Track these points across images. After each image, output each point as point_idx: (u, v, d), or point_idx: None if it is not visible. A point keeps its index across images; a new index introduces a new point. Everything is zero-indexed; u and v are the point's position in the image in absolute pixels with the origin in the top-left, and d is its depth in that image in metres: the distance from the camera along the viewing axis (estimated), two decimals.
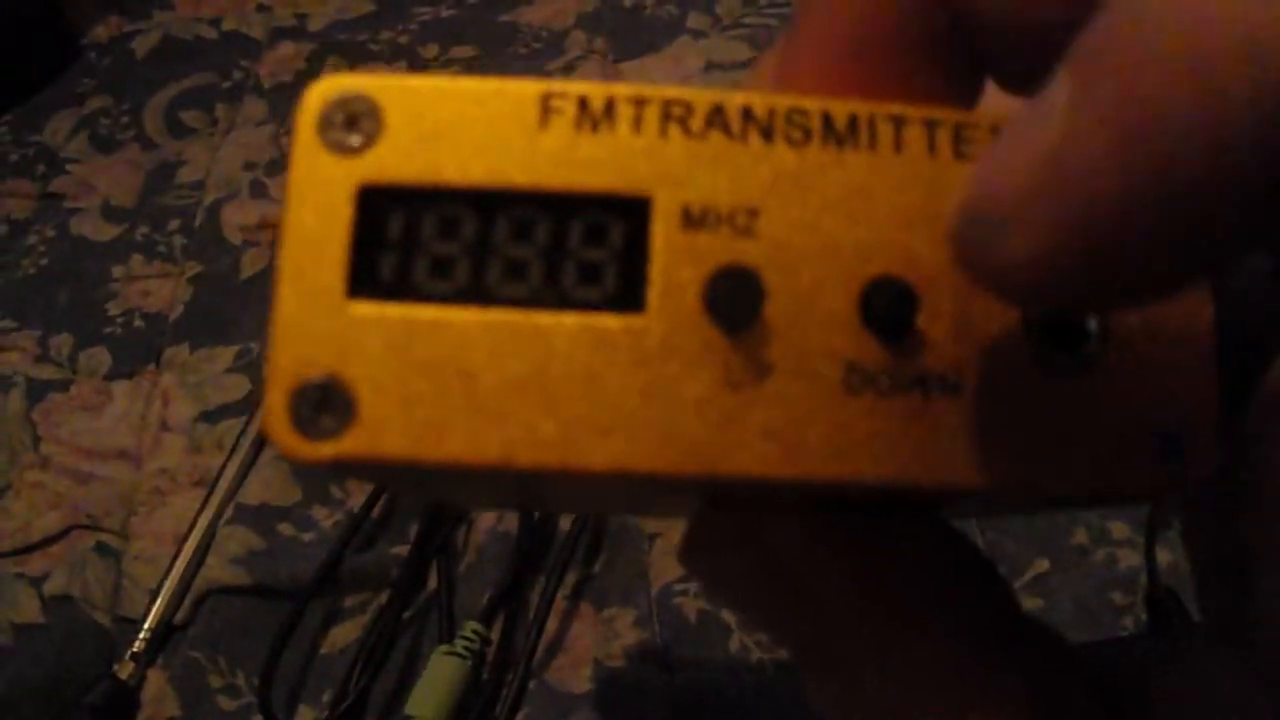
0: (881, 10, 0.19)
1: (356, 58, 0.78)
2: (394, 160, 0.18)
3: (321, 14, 0.82)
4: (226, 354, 0.61)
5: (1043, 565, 0.50)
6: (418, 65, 0.77)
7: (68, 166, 0.73)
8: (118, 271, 0.66)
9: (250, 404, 0.59)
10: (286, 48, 0.79)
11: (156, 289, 0.65)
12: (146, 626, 0.51)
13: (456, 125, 0.18)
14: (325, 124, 0.18)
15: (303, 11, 0.83)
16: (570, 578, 0.51)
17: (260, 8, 0.84)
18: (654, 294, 0.18)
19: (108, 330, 0.64)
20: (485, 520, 0.53)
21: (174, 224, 0.69)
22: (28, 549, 0.55)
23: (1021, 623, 0.20)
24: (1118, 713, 0.19)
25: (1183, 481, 0.18)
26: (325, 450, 0.17)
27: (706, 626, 0.49)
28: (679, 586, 0.50)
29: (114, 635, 0.52)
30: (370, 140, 0.18)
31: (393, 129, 0.18)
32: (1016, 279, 0.15)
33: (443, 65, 0.77)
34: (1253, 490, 0.18)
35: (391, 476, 0.20)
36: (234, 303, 0.64)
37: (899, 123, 0.18)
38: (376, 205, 0.18)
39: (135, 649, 0.50)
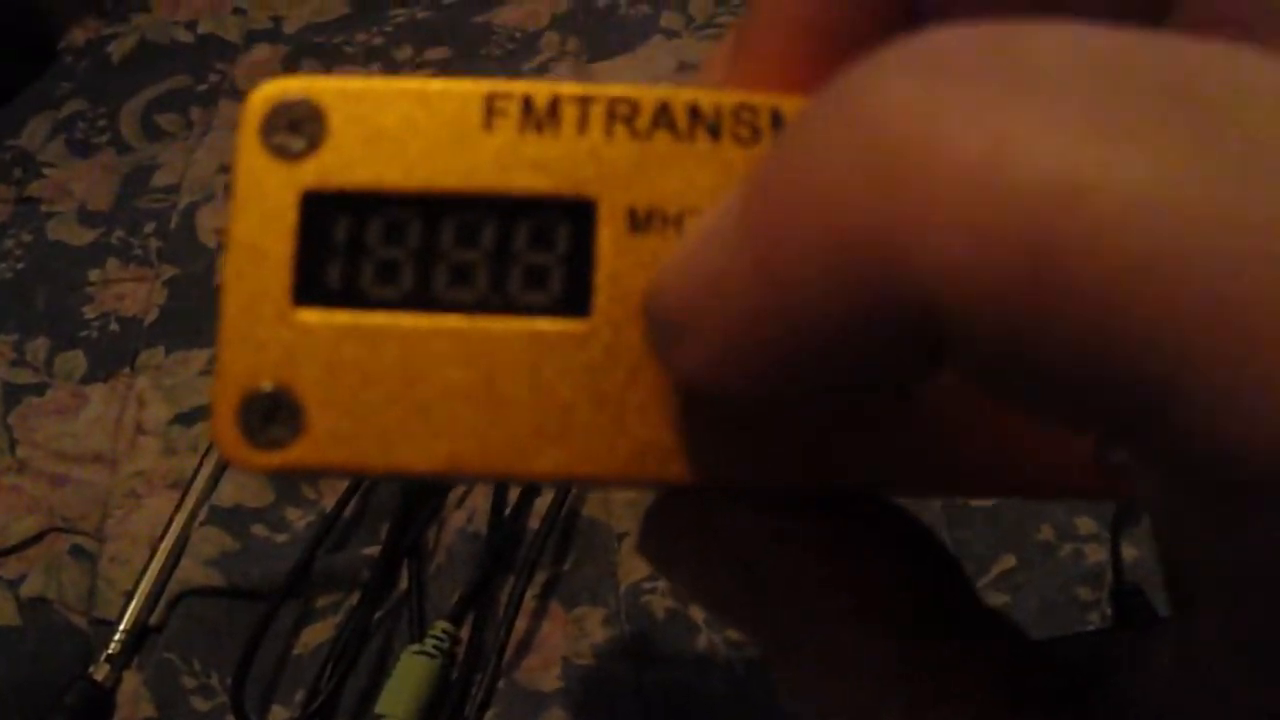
0: (830, 7, 0.19)
1: (332, 60, 0.78)
2: (338, 165, 0.18)
3: (297, 16, 0.82)
4: (201, 357, 0.61)
5: (1009, 561, 0.51)
6: (392, 67, 0.77)
7: (44, 170, 0.73)
8: (94, 275, 0.67)
9: None
10: (262, 50, 0.80)
11: (132, 292, 0.66)
12: (122, 628, 0.51)
13: (400, 128, 0.18)
14: (268, 129, 0.18)
15: (278, 14, 0.83)
16: (539, 577, 0.52)
17: (236, 10, 0.84)
18: (600, 298, 0.18)
19: (84, 334, 0.64)
20: (455, 520, 0.54)
21: (149, 227, 0.69)
22: (4, 552, 0.55)
23: (984, 615, 0.20)
24: (1082, 707, 0.19)
25: (1125, 479, 0.18)
26: (274, 460, 0.17)
27: (675, 624, 0.50)
28: (648, 585, 0.51)
29: (90, 637, 0.52)
30: (314, 145, 0.18)
31: (336, 133, 0.18)
32: (691, 379, 0.15)
33: (416, 67, 0.77)
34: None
35: (344, 475, 0.20)
36: (209, 306, 0.64)
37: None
38: (321, 211, 0.18)
39: (111, 651, 0.51)
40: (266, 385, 0.17)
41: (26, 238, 0.69)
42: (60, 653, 0.52)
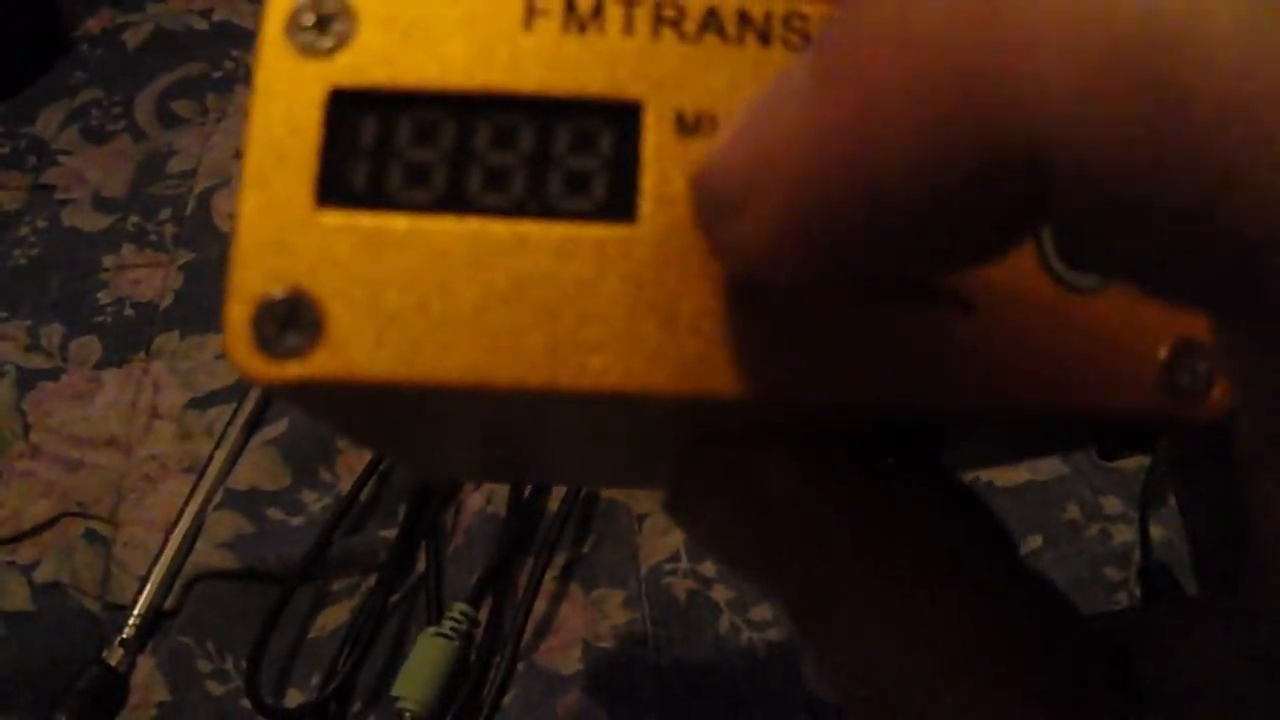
0: None
1: None
2: (368, 62, 0.17)
3: None
4: (216, 341, 0.61)
5: (1036, 541, 0.50)
6: None
7: (59, 158, 0.73)
8: (108, 261, 0.66)
9: (239, 390, 0.59)
10: None
11: (147, 278, 0.65)
12: (136, 613, 0.51)
13: (435, 25, 0.17)
14: (294, 24, 0.17)
15: None
16: (559, 559, 0.51)
17: None
18: (646, 203, 0.17)
19: (98, 319, 0.64)
20: (473, 502, 0.53)
21: (165, 213, 0.69)
22: (18, 537, 0.55)
23: (1027, 576, 0.19)
24: (1129, 677, 0.18)
25: (1189, 404, 0.18)
26: (290, 371, 0.16)
27: (696, 606, 0.49)
28: (668, 566, 0.50)
29: (104, 622, 0.52)
30: (342, 41, 0.17)
31: (366, 29, 0.17)
32: (745, 258, 0.15)
33: None
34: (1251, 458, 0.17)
35: (356, 411, 0.19)
36: (224, 290, 0.63)
37: None
38: (348, 110, 0.17)
39: (125, 635, 0.50)
40: (284, 290, 0.16)
41: (41, 224, 0.69)
42: (74, 637, 0.51)
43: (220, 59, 0.79)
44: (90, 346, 0.62)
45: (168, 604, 0.52)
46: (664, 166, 0.17)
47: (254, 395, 0.57)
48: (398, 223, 0.17)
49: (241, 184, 0.17)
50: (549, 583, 0.50)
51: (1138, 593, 0.48)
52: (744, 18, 0.17)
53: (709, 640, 0.48)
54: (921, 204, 0.12)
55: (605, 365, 0.17)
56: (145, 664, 0.50)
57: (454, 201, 0.17)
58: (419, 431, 0.22)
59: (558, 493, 0.52)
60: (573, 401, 0.17)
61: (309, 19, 0.17)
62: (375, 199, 0.17)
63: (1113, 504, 0.51)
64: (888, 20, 0.12)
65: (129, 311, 0.64)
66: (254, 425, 0.57)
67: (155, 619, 0.51)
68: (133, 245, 0.67)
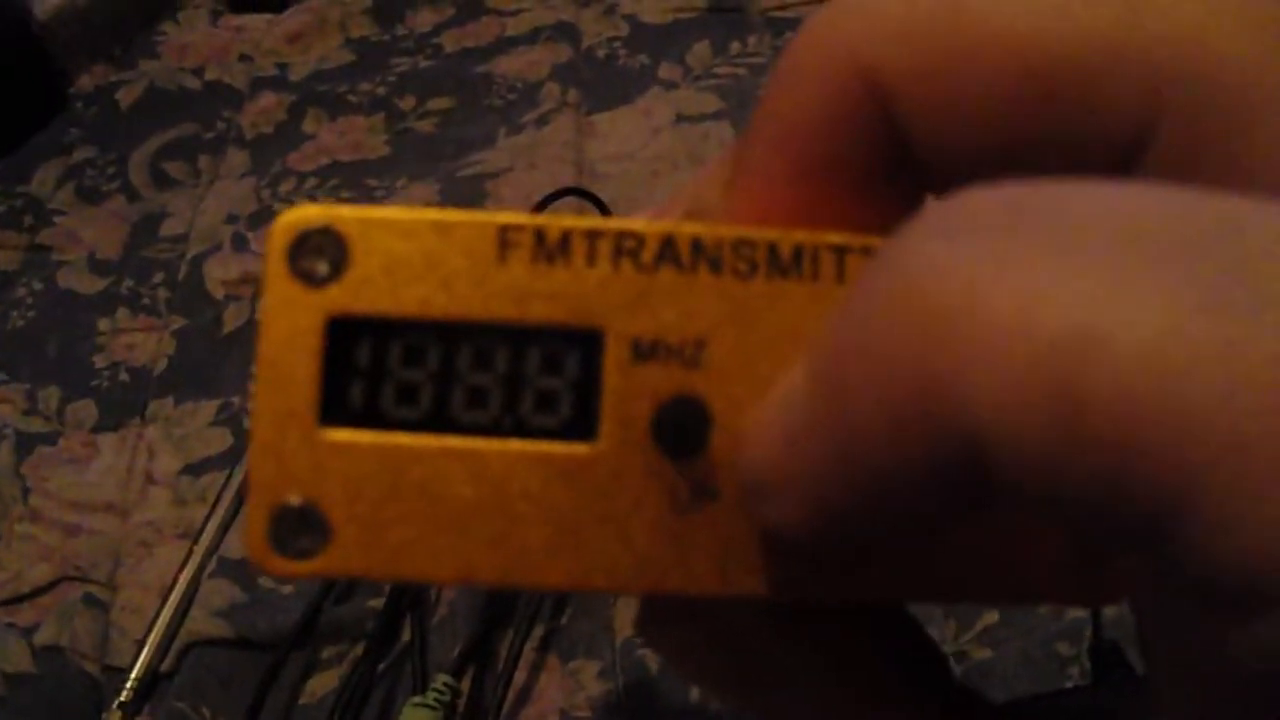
0: (830, 133, 0.19)
1: (336, 109, 0.80)
2: (361, 291, 0.18)
3: (303, 64, 0.84)
4: (209, 408, 0.63)
5: (992, 617, 0.52)
6: (395, 116, 0.79)
7: (55, 218, 0.75)
8: (104, 324, 0.68)
9: (232, 457, 0.61)
10: (268, 98, 0.81)
11: (141, 342, 0.67)
12: (133, 676, 0.53)
13: (420, 257, 0.18)
14: (294, 255, 0.18)
15: (284, 61, 0.85)
16: (538, 630, 0.53)
17: (243, 57, 0.85)
18: (606, 423, 0.18)
19: (94, 383, 0.66)
20: None
21: (158, 277, 0.71)
22: (18, 599, 0.57)
23: (962, 694, 0.22)
24: None
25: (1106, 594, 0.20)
26: (303, 569, 0.18)
27: (669, 677, 0.51)
28: (642, 639, 0.52)
29: (102, 684, 0.54)
30: (337, 271, 0.18)
31: (359, 261, 0.18)
32: (784, 531, 0.17)
33: (419, 117, 0.79)
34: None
35: (368, 580, 0.22)
36: (216, 357, 0.66)
37: (841, 252, 0.19)
38: (345, 335, 0.18)
39: (123, 698, 0.52)
40: (295, 500, 0.18)
41: (38, 286, 0.71)
42: (73, 699, 0.53)
43: (212, 119, 0.81)
44: (87, 410, 0.64)
45: (164, 667, 0.54)
46: (622, 389, 0.18)
47: (245, 463, 0.59)
48: (391, 440, 0.18)
49: (255, 400, 0.18)
50: (528, 653, 0.52)
51: (1088, 667, 0.50)
52: (697, 245, 0.19)
53: (681, 711, 0.50)
54: (900, 487, 0.15)
55: (569, 568, 0.19)
56: None
57: (440, 420, 0.18)
58: None
59: None
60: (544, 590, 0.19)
61: (307, 250, 0.18)
62: (371, 418, 0.18)
63: None
64: (854, 345, 0.15)
65: (124, 376, 0.66)
66: (244, 496, 0.59)
67: (152, 682, 0.53)
68: (127, 309, 0.69)
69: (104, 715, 0.52)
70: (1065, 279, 0.13)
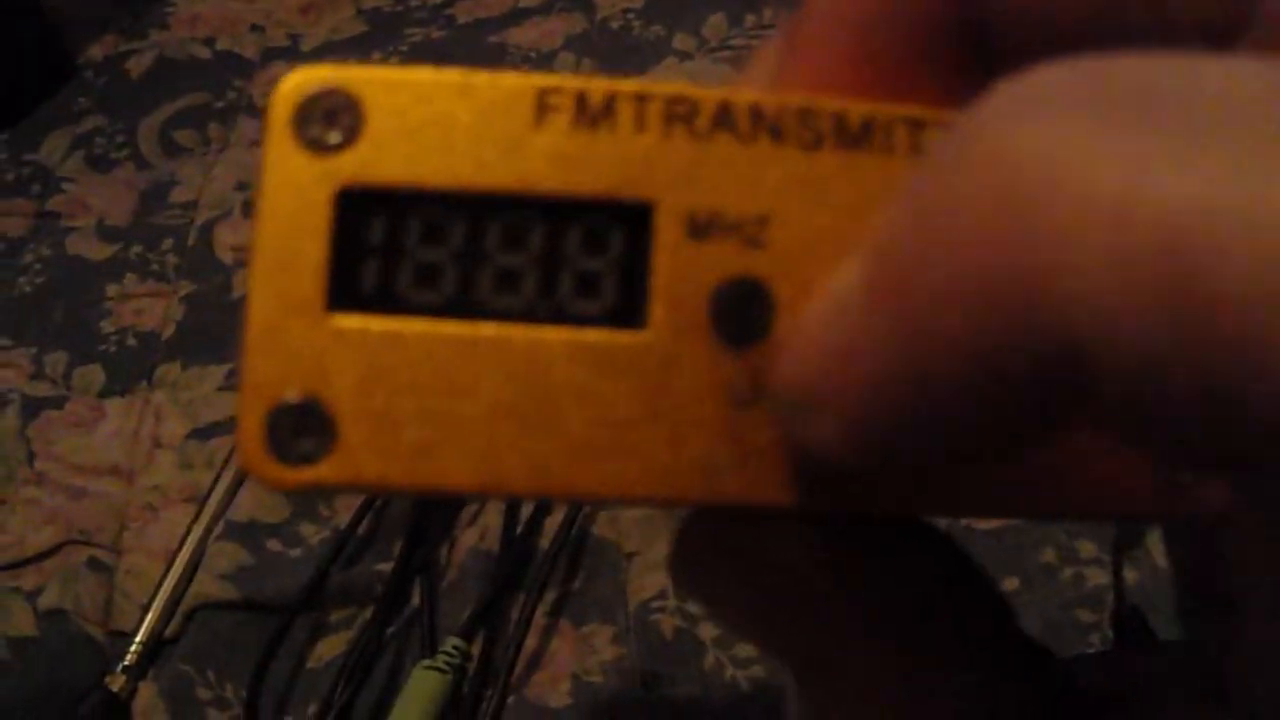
0: (893, 4, 0.18)
1: None
2: (376, 159, 0.16)
3: (314, 34, 0.84)
4: (217, 372, 0.62)
5: (1013, 583, 0.51)
6: None
7: (63, 185, 0.74)
8: (112, 290, 0.68)
9: None
10: (279, 68, 0.81)
11: (149, 307, 0.66)
12: (138, 640, 0.52)
13: (444, 122, 0.17)
14: (301, 120, 0.16)
15: (296, 32, 0.84)
16: (550, 594, 0.52)
17: (254, 28, 0.85)
18: (657, 308, 0.17)
19: (101, 348, 0.65)
20: (467, 538, 0.54)
21: (167, 243, 0.70)
22: (22, 564, 0.56)
23: (1021, 641, 0.20)
24: None
25: (1191, 500, 0.18)
26: (304, 476, 0.16)
27: (683, 642, 0.50)
28: (656, 603, 0.52)
29: (106, 648, 0.53)
30: (350, 138, 0.16)
31: (375, 125, 0.16)
32: (828, 455, 0.15)
33: None
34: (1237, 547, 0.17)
35: (377, 492, 0.20)
36: (225, 322, 0.65)
37: (915, 126, 0.17)
38: (357, 209, 0.16)
39: (127, 662, 0.51)
40: (295, 396, 0.16)
41: (46, 252, 0.70)
42: (77, 663, 0.53)
43: (223, 89, 0.80)
44: (94, 375, 0.64)
45: (169, 632, 0.53)
46: (674, 270, 0.17)
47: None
48: (408, 327, 0.16)
49: (251, 284, 0.16)
50: (540, 618, 0.52)
51: (1110, 634, 0.49)
52: (757, 113, 0.17)
53: (695, 676, 0.49)
54: (973, 403, 0.13)
55: (614, 473, 0.16)
56: (147, 691, 0.51)
57: (464, 305, 0.16)
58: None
59: (549, 530, 0.54)
60: (588, 500, 0.17)
61: (316, 114, 0.17)
62: (385, 302, 0.16)
63: (1087, 548, 0.52)
64: (927, 230, 0.13)
65: (132, 341, 0.65)
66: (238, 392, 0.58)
67: (157, 646, 0.53)
68: (135, 275, 0.68)
69: (108, 679, 0.51)
70: (1182, 152, 0.11)
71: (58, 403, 0.63)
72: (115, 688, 0.51)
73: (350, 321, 0.16)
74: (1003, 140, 0.13)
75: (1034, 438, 0.14)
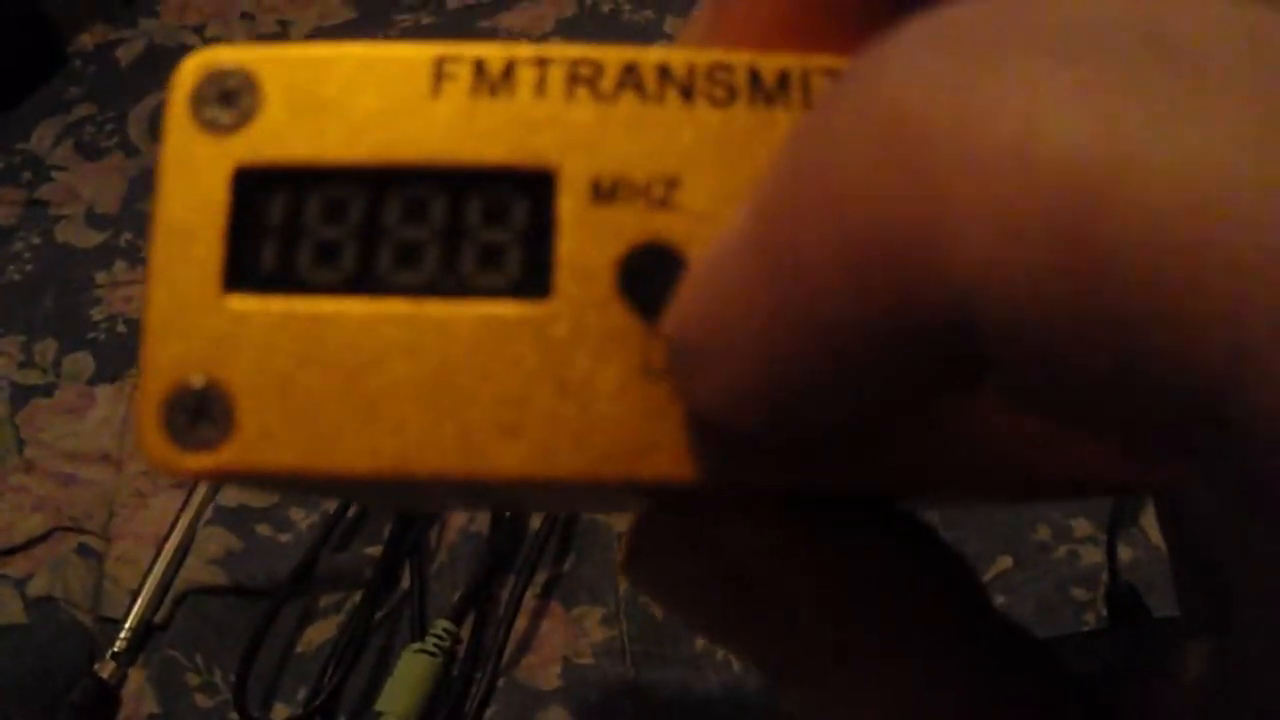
0: None
1: None
2: (273, 138, 0.16)
3: (304, 21, 0.83)
4: None
5: (1006, 563, 0.51)
6: None
7: (53, 174, 0.74)
8: (101, 277, 0.67)
9: None
10: None
11: (139, 295, 0.66)
12: (127, 626, 0.52)
13: (341, 97, 0.16)
14: (198, 101, 0.16)
15: (286, 19, 0.84)
16: (540, 576, 0.52)
17: (244, 15, 0.84)
18: (561, 277, 0.16)
19: (91, 335, 0.65)
20: (457, 520, 0.54)
21: None
22: (11, 551, 0.56)
23: (997, 621, 0.19)
24: (1093, 710, 0.18)
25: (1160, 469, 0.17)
26: (203, 463, 0.16)
27: (673, 624, 0.50)
28: None
29: (95, 635, 0.53)
30: (247, 117, 0.16)
31: (271, 104, 0.16)
32: (710, 412, 0.14)
33: None
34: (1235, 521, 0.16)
35: (289, 484, 0.19)
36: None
37: (835, 77, 0.16)
38: (255, 188, 0.16)
39: (116, 648, 0.51)
40: (195, 380, 0.16)
41: (35, 240, 0.70)
42: (66, 650, 0.52)
43: None
44: (83, 362, 0.63)
45: (158, 618, 0.53)
46: (580, 238, 0.16)
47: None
48: (308, 306, 0.16)
49: (150, 268, 0.16)
50: (530, 600, 0.51)
51: (1104, 613, 0.49)
52: (664, 72, 0.16)
53: (686, 657, 0.49)
54: (859, 363, 0.12)
55: (522, 452, 0.16)
56: (136, 677, 0.51)
57: (365, 282, 0.16)
58: (378, 494, 0.21)
59: (540, 514, 0.53)
60: (500, 484, 0.16)
61: (213, 95, 0.16)
62: (284, 281, 0.16)
63: (1082, 526, 0.52)
64: (810, 177, 0.12)
65: (121, 328, 0.65)
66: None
67: (146, 632, 0.52)
68: (125, 262, 0.68)
69: (97, 665, 0.51)
70: (1080, 94, 0.11)
71: (47, 390, 0.62)
72: (104, 674, 0.50)
73: (249, 303, 0.16)
74: (887, 81, 0.12)
75: (927, 402, 0.14)
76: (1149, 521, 0.51)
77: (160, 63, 0.81)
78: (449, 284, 0.16)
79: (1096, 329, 0.10)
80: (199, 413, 0.16)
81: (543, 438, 0.16)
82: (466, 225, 0.16)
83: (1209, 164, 0.10)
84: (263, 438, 0.16)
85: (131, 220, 0.70)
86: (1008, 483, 0.17)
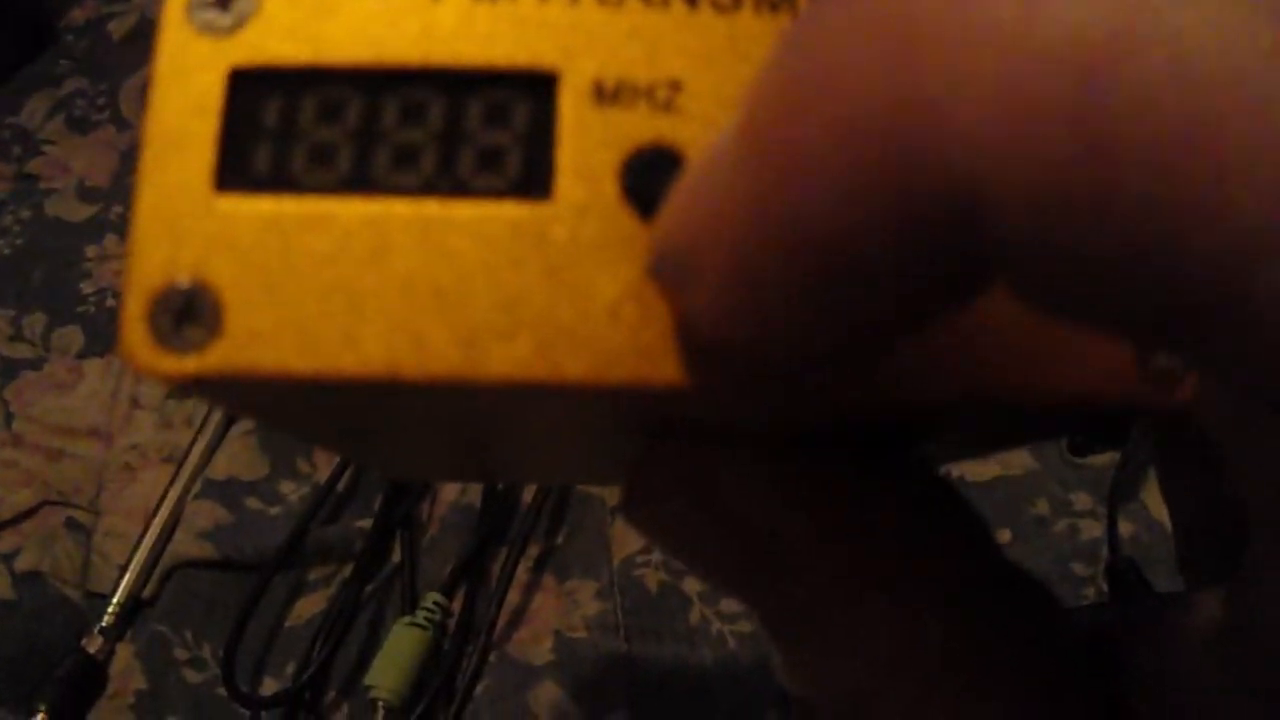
0: None
1: None
2: (270, 40, 0.16)
3: None
4: None
5: (1005, 536, 0.51)
6: None
7: (43, 148, 0.73)
8: (91, 251, 0.67)
9: None
10: None
11: None
12: (115, 601, 0.51)
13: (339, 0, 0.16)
14: (194, 2, 0.16)
15: None
16: (532, 550, 0.52)
17: None
18: (563, 179, 0.16)
19: (81, 309, 0.64)
20: (448, 493, 0.54)
21: None
22: None
23: (1006, 571, 0.18)
24: (1108, 681, 0.18)
25: (1165, 390, 0.16)
26: (187, 365, 0.15)
27: (667, 597, 0.50)
28: (641, 558, 0.51)
29: (84, 610, 0.53)
30: (243, 19, 0.16)
31: (269, 5, 0.16)
32: (701, 326, 0.14)
33: None
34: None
35: (286, 408, 0.18)
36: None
37: None
38: (250, 90, 0.16)
39: (104, 624, 0.51)
40: (182, 281, 0.15)
41: (25, 214, 0.69)
42: (54, 625, 0.52)
43: None
44: (72, 336, 0.63)
45: (146, 593, 0.52)
46: (581, 140, 0.16)
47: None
48: (301, 206, 0.16)
49: (140, 170, 0.16)
50: (522, 573, 0.51)
51: (1105, 588, 0.49)
52: None
53: (680, 631, 0.49)
54: (858, 268, 0.12)
55: (517, 355, 0.15)
56: (124, 652, 0.51)
57: (361, 182, 0.16)
58: (367, 430, 0.21)
59: (532, 485, 0.53)
60: (495, 392, 0.16)
61: None
62: (278, 182, 0.16)
63: (1082, 500, 0.51)
64: (800, 69, 0.12)
65: (111, 302, 0.64)
66: (233, 416, 0.57)
67: (134, 607, 0.52)
68: (115, 235, 0.67)
69: (85, 640, 0.50)
70: None
71: (36, 364, 0.62)
72: (92, 649, 0.50)
73: (241, 204, 0.15)
74: None
75: (926, 319, 0.13)
76: (1150, 496, 0.51)
77: (152, 37, 0.80)
78: (447, 184, 0.16)
79: (1108, 209, 0.10)
80: (185, 314, 0.15)
81: (540, 341, 0.15)
82: (466, 128, 0.16)
83: (1214, 34, 0.10)
84: (250, 339, 0.15)
85: (122, 194, 0.70)
86: (1013, 404, 0.17)
